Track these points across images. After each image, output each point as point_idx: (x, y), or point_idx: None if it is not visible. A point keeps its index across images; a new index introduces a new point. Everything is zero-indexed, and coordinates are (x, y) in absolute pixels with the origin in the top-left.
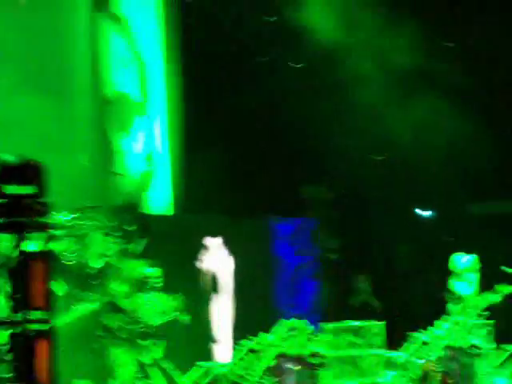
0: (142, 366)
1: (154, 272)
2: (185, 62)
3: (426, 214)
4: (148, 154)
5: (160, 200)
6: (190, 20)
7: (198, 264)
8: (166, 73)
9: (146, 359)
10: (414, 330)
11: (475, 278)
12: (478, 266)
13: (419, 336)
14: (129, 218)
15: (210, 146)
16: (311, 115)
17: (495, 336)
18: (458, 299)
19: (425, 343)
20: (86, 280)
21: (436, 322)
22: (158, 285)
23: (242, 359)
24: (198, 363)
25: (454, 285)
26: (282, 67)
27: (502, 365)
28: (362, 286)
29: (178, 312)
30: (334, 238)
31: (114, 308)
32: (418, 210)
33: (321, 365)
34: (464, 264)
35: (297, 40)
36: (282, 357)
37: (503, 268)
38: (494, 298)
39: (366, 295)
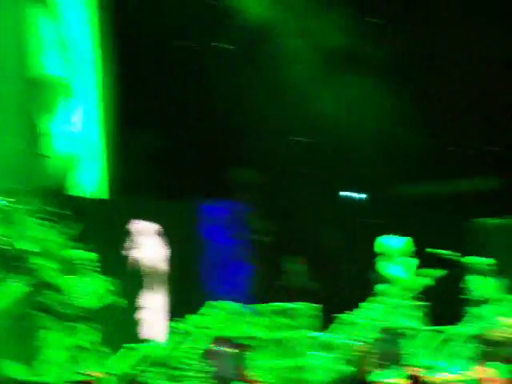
0: (76, 349)
1: (87, 255)
2: (116, 45)
3: (357, 195)
4: (75, 136)
5: (91, 182)
6: (121, 3)
7: (130, 247)
8: (97, 56)
9: (81, 342)
10: (346, 311)
11: (407, 260)
12: (410, 248)
13: (350, 317)
14: (57, 201)
15: (142, 129)
16: (241, 97)
17: (429, 318)
18: (389, 281)
19: (357, 324)
20: (17, 262)
21: (367, 304)
22: (93, 268)
23: (178, 342)
24: (132, 346)
25: (385, 267)
26: (210, 49)
27: (436, 347)
28: (297, 269)
29: (113, 296)
30: (265, 220)
31: (47, 289)
32: (349, 192)
33: (255, 347)
34: (394, 246)
35: (225, 21)
36: (217, 340)
37: (431, 250)
38: (426, 280)
39: (300, 277)
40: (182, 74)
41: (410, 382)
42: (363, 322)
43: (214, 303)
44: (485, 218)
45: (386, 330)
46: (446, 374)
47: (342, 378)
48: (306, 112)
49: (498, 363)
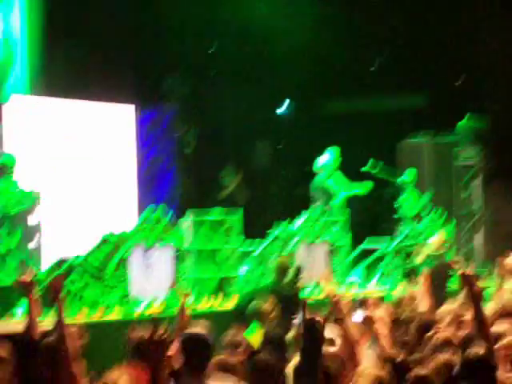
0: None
1: (9, 159)
2: None
3: (284, 109)
4: (5, 39)
5: (18, 86)
6: None
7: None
8: None
9: (1, 248)
10: (271, 225)
11: (337, 175)
12: (337, 163)
13: (275, 231)
14: None
15: (73, 32)
16: None
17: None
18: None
19: (280, 238)
20: None
21: (292, 219)
22: (14, 173)
23: (97, 249)
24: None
25: (318, 181)
26: None
27: (355, 260)
28: (227, 179)
29: (34, 202)
30: (191, 128)
31: None
32: (277, 107)
33: (178, 256)
34: (324, 161)
35: None
36: (137, 248)
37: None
38: (353, 193)
39: (229, 188)
40: None
41: (330, 297)
42: (287, 236)
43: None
44: (413, 135)
45: (305, 244)
46: (371, 289)
47: (263, 290)
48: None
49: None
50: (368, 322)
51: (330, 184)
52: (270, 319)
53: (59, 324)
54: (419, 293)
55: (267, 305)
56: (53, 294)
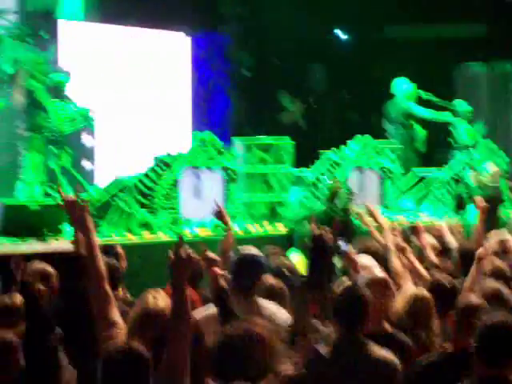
0: (50, 172)
1: (65, 79)
2: None
3: (343, 36)
4: None
5: (72, 7)
6: None
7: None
8: None
9: (54, 165)
10: (325, 149)
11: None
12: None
13: (329, 155)
14: (43, 25)
15: None
16: None
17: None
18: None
19: (335, 163)
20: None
21: (347, 143)
22: (68, 93)
23: (152, 171)
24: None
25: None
26: None
27: (409, 188)
28: (285, 103)
29: (88, 122)
30: (247, 53)
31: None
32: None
33: (230, 178)
34: (404, 89)
35: None
36: (190, 169)
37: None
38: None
39: (290, 112)
40: None
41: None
42: (342, 161)
43: (194, 134)
44: (471, 63)
45: (360, 169)
46: (422, 217)
47: (316, 214)
48: None
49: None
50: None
51: (411, 106)
52: None
53: (88, 245)
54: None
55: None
56: (77, 213)
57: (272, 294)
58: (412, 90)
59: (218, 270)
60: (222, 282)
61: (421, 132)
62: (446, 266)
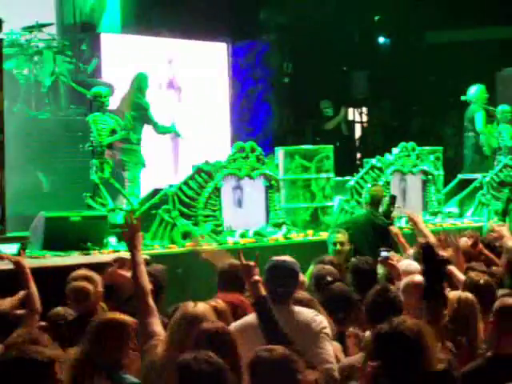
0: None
1: (105, 92)
2: None
3: (383, 41)
4: None
5: (111, 20)
6: None
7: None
8: None
9: (95, 177)
10: (369, 156)
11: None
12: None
13: (373, 163)
14: (83, 38)
15: None
16: None
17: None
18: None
19: (375, 168)
20: (37, 97)
21: (391, 150)
22: (108, 105)
23: (191, 179)
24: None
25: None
26: None
27: (450, 191)
28: (328, 110)
29: (126, 131)
30: (287, 61)
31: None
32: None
33: (272, 187)
34: (472, 94)
35: None
36: (232, 178)
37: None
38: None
39: (340, 120)
40: None
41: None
42: (382, 166)
43: (235, 143)
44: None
45: (401, 173)
46: (467, 220)
47: (356, 219)
48: None
49: None
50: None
51: (477, 115)
52: (343, 251)
53: (134, 263)
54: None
55: (342, 236)
56: (129, 233)
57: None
58: (482, 99)
59: (256, 276)
60: (261, 289)
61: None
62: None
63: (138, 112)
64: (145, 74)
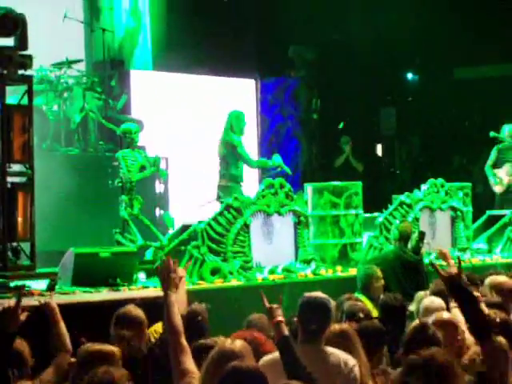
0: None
1: (134, 128)
2: None
3: (412, 77)
4: (134, 11)
5: (140, 57)
6: None
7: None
8: None
9: (124, 213)
10: (396, 191)
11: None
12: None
13: (402, 199)
14: (112, 74)
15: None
16: None
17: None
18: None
19: (404, 204)
20: (67, 134)
21: (420, 186)
22: (138, 140)
23: (220, 215)
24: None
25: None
26: None
27: (479, 227)
28: (345, 147)
29: (157, 168)
30: (315, 97)
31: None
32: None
33: (301, 223)
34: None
35: None
36: (261, 214)
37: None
38: None
39: (348, 156)
40: None
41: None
42: (411, 202)
43: (263, 179)
44: None
45: (429, 210)
46: (496, 257)
47: (387, 256)
48: None
49: None
50: None
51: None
52: (377, 288)
53: (167, 303)
54: None
55: (376, 272)
56: (164, 273)
57: (341, 339)
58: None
59: (279, 317)
60: (284, 329)
61: None
62: None
63: (228, 149)
64: (236, 112)
